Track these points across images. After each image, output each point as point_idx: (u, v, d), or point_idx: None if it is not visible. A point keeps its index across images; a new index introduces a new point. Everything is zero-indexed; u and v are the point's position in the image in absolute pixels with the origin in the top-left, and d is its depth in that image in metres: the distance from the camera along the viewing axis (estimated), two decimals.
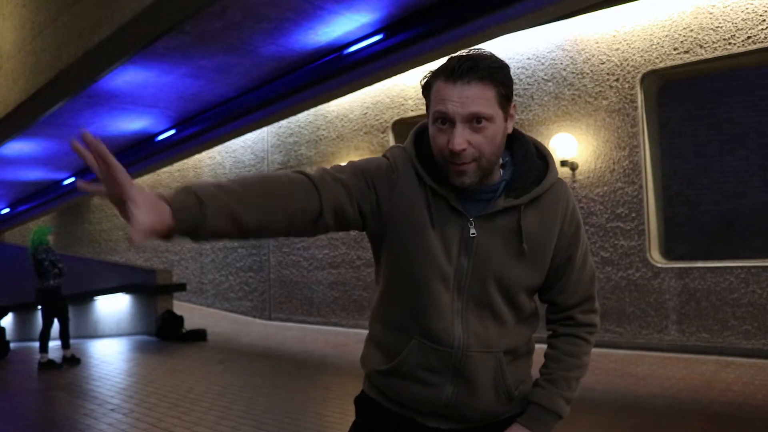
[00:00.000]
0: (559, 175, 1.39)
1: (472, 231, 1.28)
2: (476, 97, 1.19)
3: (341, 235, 9.38)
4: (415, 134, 1.37)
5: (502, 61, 1.26)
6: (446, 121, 1.21)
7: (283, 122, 10.19)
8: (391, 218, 1.30)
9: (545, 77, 7.34)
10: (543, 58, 7.37)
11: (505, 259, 1.29)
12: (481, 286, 1.29)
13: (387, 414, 1.40)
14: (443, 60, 1.28)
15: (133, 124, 9.15)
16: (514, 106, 1.29)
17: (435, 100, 1.23)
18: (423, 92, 1.30)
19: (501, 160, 1.31)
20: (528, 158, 1.34)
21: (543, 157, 1.37)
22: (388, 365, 1.36)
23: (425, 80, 1.28)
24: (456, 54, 1.25)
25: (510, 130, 1.29)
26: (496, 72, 1.22)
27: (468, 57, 1.22)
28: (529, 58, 7.49)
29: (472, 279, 1.29)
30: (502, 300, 1.31)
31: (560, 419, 1.38)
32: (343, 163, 1.35)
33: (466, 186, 1.24)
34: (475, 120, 1.20)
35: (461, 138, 1.19)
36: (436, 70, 1.26)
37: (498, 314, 1.32)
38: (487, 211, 1.29)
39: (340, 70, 6.84)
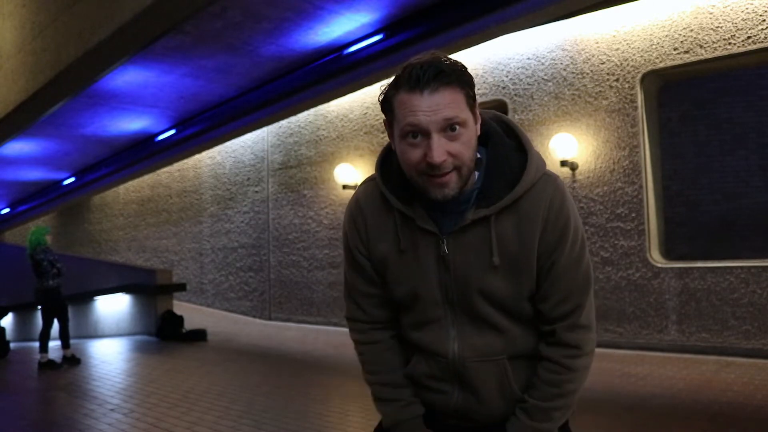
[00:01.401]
0: (550, 168, 1.28)
1: (444, 249, 1.24)
2: (447, 102, 1.12)
3: (341, 235, 9.40)
4: (380, 159, 1.32)
5: (460, 62, 1.18)
6: (418, 134, 1.13)
7: (283, 122, 10.19)
8: (373, 252, 1.33)
9: (545, 77, 7.34)
10: (543, 58, 7.37)
11: (483, 274, 1.23)
12: (469, 301, 1.26)
13: None
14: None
15: (133, 124, 9.15)
16: (478, 105, 1.21)
17: (402, 114, 1.14)
18: (383, 107, 1.20)
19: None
20: (503, 158, 1.23)
21: (523, 149, 1.25)
22: (404, 370, 1.40)
23: (383, 95, 1.19)
24: (411, 62, 1.16)
25: (479, 132, 1.21)
26: (461, 74, 1.15)
27: (430, 63, 1.13)
28: (529, 58, 7.49)
29: (459, 294, 1.26)
30: (496, 311, 1.26)
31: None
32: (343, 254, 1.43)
33: (449, 199, 1.17)
34: (449, 127, 1.12)
35: (440, 149, 1.12)
36: (395, 82, 1.17)
37: (495, 325, 1.27)
38: (459, 225, 1.22)
39: (340, 70, 6.84)
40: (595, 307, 1.32)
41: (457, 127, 1.13)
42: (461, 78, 1.14)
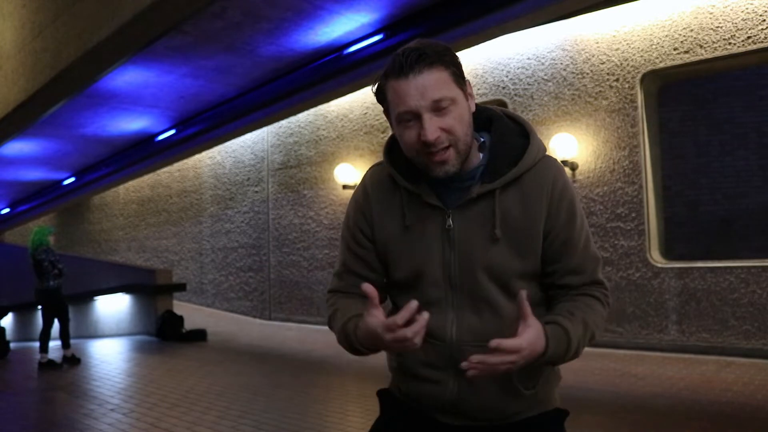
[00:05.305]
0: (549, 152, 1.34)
1: (449, 222, 1.28)
2: (433, 83, 1.17)
3: (341, 231, 9.41)
4: (387, 146, 1.38)
5: (444, 44, 1.23)
6: (411, 118, 1.20)
7: (283, 122, 10.19)
8: (378, 235, 1.36)
9: (545, 77, 7.34)
10: (543, 58, 7.37)
11: (486, 247, 1.26)
12: (473, 278, 1.27)
13: (405, 408, 1.42)
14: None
15: (133, 124, 9.15)
16: (469, 84, 1.26)
17: (394, 102, 1.21)
18: (378, 98, 1.27)
19: (477, 142, 1.30)
20: (506, 138, 1.30)
21: (526, 134, 1.32)
22: (396, 361, 1.40)
23: (377, 86, 1.26)
24: (398, 50, 1.21)
25: (473, 109, 1.27)
26: (443, 54, 1.20)
27: (412, 48, 1.19)
28: (529, 58, 7.49)
29: (462, 272, 1.28)
30: (497, 290, 1.27)
31: (569, 340, 1.22)
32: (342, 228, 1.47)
33: (450, 175, 1.23)
34: (439, 106, 1.18)
35: (432, 126, 1.17)
36: (384, 73, 1.23)
37: (496, 307, 1.27)
38: (464, 199, 1.27)
39: (340, 70, 6.84)
40: None
41: (447, 104, 1.19)
42: (443, 58, 1.19)
